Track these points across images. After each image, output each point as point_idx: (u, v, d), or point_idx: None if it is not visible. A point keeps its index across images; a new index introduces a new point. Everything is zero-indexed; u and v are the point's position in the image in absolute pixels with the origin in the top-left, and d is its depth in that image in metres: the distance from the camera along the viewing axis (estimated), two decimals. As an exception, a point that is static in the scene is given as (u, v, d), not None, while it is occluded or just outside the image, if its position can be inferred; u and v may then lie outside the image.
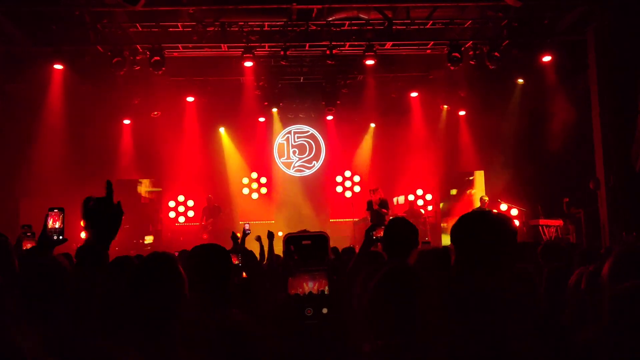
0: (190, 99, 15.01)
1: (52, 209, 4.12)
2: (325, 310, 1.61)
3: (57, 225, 4.01)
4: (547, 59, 12.81)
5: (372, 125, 16.60)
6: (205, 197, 15.49)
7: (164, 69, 12.28)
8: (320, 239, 1.65)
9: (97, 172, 14.63)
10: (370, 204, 13.11)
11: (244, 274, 4.27)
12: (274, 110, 15.82)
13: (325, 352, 1.58)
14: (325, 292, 1.62)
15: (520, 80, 14.48)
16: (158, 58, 12.11)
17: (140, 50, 12.42)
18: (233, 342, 2.47)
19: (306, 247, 1.65)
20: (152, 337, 2.40)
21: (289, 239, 1.63)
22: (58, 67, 12.40)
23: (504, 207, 15.29)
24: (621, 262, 2.63)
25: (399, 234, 3.41)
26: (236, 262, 4.30)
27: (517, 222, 15.06)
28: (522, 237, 12.11)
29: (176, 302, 2.48)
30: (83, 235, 12.24)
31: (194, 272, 2.69)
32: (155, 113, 15.38)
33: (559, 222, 13.03)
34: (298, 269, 1.63)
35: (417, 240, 3.45)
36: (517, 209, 14.88)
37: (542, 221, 12.99)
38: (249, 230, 7.71)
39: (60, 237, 4.02)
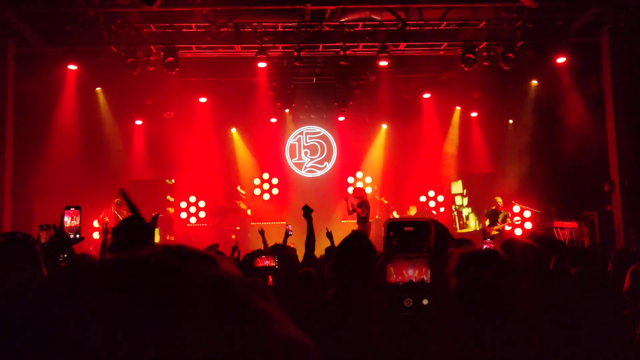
0: (203, 99, 15.03)
1: (68, 207, 4.10)
2: (426, 302, 1.56)
3: (74, 224, 4.00)
4: (561, 60, 12.74)
5: (384, 126, 16.55)
6: (211, 198, 15.59)
7: (177, 69, 12.31)
8: (424, 225, 1.60)
9: (110, 173, 14.77)
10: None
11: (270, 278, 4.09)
12: (286, 111, 15.83)
13: (424, 349, 1.53)
14: (426, 281, 1.56)
15: (535, 82, 14.41)
16: (172, 59, 12.15)
17: (154, 50, 12.46)
18: None
19: (407, 234, 1.60)
20: None
21: (390, 225, 1.58)
22: (72, 67, 12.46)
23: (517, 208, 15.21)
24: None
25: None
26: (272, 265, 4.21)
27: (530, 225, 15.01)
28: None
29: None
30: (96, 235, 12.35)
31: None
32: (168, 114, 15.42)
33: (573, 224, 12.95)
34: (397, 255, 1.58)
35: (449, 242, 3.44)
36: (531, 210, 14.81)
37: (556, 223, 12.91)
38: (291, 231, 7.67)
39: (77, 236, 4.01)
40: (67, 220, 3.89)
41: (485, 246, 5.09)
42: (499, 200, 13.97)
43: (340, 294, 2.95)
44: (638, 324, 2.59)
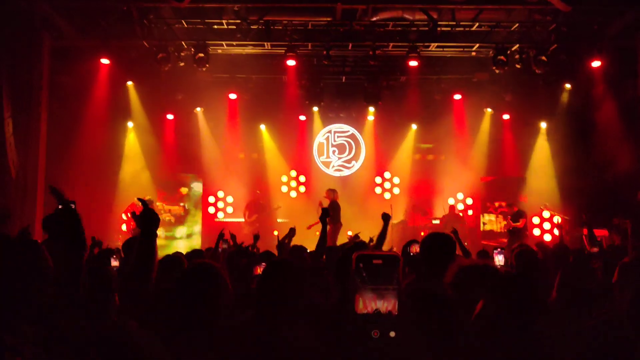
0: (232, 96, 15.13)
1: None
2: (393, 334, 1.56)
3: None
4: (596, 64, 12.48)
5: (414, 126, 16.42)
6: (253, 192, 15.63)
7: (207, 65, 12.42)
8: (392, 259, 1.61)
9: (147, 167, 15.10)
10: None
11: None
12: (315, 109, 15.82)
13: None
14: (394, 313, 1.57)
15: (568, 86, 14.13)
16: (202, 55, 12.28)
17: (185, 46, 12.60)
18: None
19: (376, 267, 1.61)
20: (187, 341, 2.48)
21: (359, 258, 1.59)
22: (105, 61, 12.67)
23: (546, 214, 14.96)
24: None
25: (436, 250, 3.39)
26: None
27: (557, 231, 14.72)
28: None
29: (214, 313, 2.61)
30: (124, 227, 12.60)
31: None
32: (198, 109, 15.59)
33: (604, 233, 12.65)
34: (365, 286, 1.59)
35: (454, 256, 3.42)
36: (561, 217, 14.53)
37: (585, 230, 12.62)
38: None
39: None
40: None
41: (497, 256, 5.04)
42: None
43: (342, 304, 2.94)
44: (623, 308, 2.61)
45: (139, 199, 3.13)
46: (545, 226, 15.16)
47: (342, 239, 12.25)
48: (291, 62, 12.77)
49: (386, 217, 6.13)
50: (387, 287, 1.55)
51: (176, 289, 2.76)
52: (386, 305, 1.54)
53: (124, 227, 14.15)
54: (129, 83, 14.44)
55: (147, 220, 3.02)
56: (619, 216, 12.84)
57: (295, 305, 2.83)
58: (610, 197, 13.24)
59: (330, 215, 5.36)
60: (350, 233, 11.64)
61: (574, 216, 13.86)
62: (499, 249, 5.28)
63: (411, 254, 4.81)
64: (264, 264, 4.40)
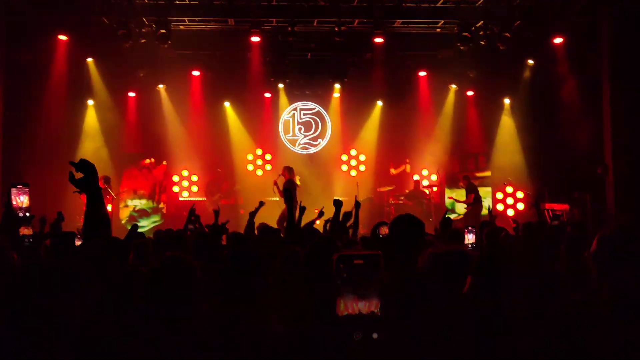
0: (195, 73, 14.89)
1: (14, 185, 3.89)
2: (375, 336, 1.52)
3: (22, 201, 3.83)
4: (558, 40, 12.62)
5: (379, 103, 16.42)
6: (215, 171, 15.49)
7: (170, 42, 12.16)
8: (373, 258, 1.55)
9: (105, 145, 14.78)
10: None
11: None
12: (280, 86, 15.69)
13: None
14: (376, 314, 1.52)
15: (531, 61, 14.27)
16: (164, 31, 12.00)
17: (146, 22, 12.30)
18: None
19: (357, 267, 1.55)
20: (161, 336, 2.43)
21: (339, 258, 1.54)
22: (62, 37, 12.30)
23: (509, 189, 15.21)
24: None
25: (404, 232, 3.40)
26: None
27: (522, 206, 15.02)
28: (527, 221, 11.98)
29: (187, 310, 2.53)
30: (110, 208, 12.22)
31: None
32: (161, 86, 15.30)
33: (564, 207, 12.92)
34: (347, 287, 1.54)
35: (423, 236, 3.45)
36: (523, 192, 14.80)
37: (547, 205, 12.87)
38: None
39: (27, 214, 3.86)
40: (16, 199, 3.76)
41: (468, 235, 5.10)
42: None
43: (311, 301, 2.90)
44: (602, 280, 2.68)
45: (71, 162, 2.78)
46: (509, 201, 15.42)
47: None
48: (255, 39, 12.61)
49: (287, 195, 5.75)
50: (369, 288, 1.51)
51: (147, 286, 2.66)
52: (368, 305, 1.51)
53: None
54: (89, 60, 14.05)
55: (85, 175, 2.75)
56: (579, 190, 13.12)
57: (260, 292, 2.78)
58: (571, 172, 13.50)
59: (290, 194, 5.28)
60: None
61: (537, 191, 14.12)
62: (469, 227, 5.34)
63: (380, 235, 4.82)
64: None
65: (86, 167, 2.76)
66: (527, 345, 2.34)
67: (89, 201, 2.77)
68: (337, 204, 6.01)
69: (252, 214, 7.02)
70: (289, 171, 13.03)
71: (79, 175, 2.79)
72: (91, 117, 15.03)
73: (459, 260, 2.55)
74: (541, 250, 3.67)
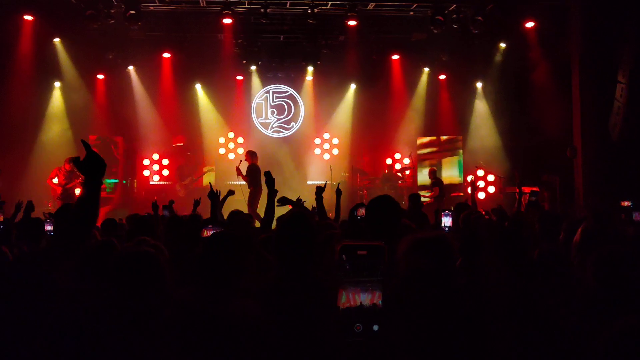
0: (166, 55, 14.66)
1: None
2: (376, 327, 1.50)
3: None
4: (530, 25, 12.73)
5: (353, 86, 16.39)
6: (185, 154, 15.35)
7: (140, 23, 11.91)
8: (377, 249, 1.53)
9: (73, 128, 14.46)
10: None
11: None
12: (253, 68, 15.56)
13: None
14: (378, 306, 1.50)
15: (502, 45, 14.38)
16: (133, 12, 11.74)
17: (115, 2, 12.00)
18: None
19: (360, 257, 1.53)
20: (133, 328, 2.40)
21: (343, 248, 1.51)
22: (28, 17, 11.96)
23: (480, 172, 15.35)
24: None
25: (381, 212, 3.46)
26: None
27: (493, 189, 15.20)
28: (498, 204, 12.14)
29: (156, 301, 2.49)
30: (78, 191, 12.07)
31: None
32: (130, 68, 15.03)
33: (534, 189, 13.10)
34: (348, 279, 1.51)
35: (400, 220, 3.50)
36: (494, 175, 14.96)
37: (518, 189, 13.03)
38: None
39: None
40: None
41: (444, 218, 5.15)
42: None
43: (280, 280, 2.88)
44: (584, 270, 2.75)
45: (82, 141, 2.73)
46: (480, 184, 15.56)
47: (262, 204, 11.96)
48: (227, 20, 12.43)
49: (269, 178, 5.43)
50: (372, 279, 1.50)
51: (113, 280, 2.59)
52: (370, 297, 1.49)
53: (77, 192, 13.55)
54: (56, 40, 13.70)
55: (91, 165, 2.63)
56: (548, 173, 13.33)
57: (238, 278, 2.75)
58: (542, 155, 13.69)
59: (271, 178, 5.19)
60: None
61: (508, 174, 14.31)
62: (446, 211, 5.40)
63: (358, 217, 4.85)
64: (210, 226, 4.31)
65: (97, 160, 2.68)
66: (513, 331, 2.36)
67: (88, 191, 2.67)
68: (319, 190, 6.08)
69: (218, 201, 6.79)
70: (251, 155, 12.97)
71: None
72: (57, 99, 14.71)
73: (440, 246, 2.55)
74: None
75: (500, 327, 2.36)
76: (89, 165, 2.64)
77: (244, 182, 12.73)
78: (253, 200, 12.28)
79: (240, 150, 16.22)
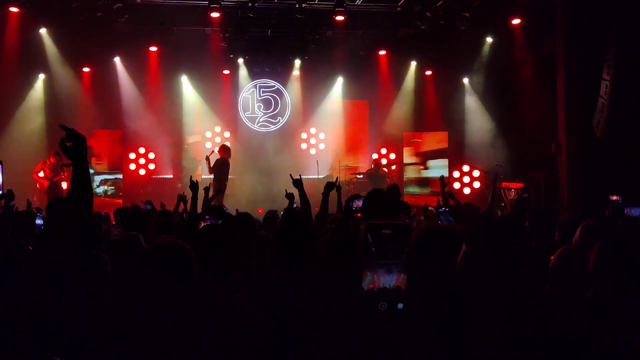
0: (153, 48, 14.58)
1: None
2: (400, 305, 1.52)
3: None
4: (516, 21, 12.83)
5: (340, 81, 16.42)
6: (181, 148, 15.53)
7: (126, 16, 11.84)
8: (403, 228, 1.54)
9: (57, 120, 14.26)
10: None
11: None
12: (240, 61, 15.54)
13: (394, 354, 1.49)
14: (402, 287, 1.52)
15: (489, 40, 14.48)
16: (120, 5, 11.67)
17: (102, -5, 11.93)
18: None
19: (385, 237, 1.53)
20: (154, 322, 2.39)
21: (367, 227, 1.52)
22: (14, 10, 11.85)
23: (466, 168, 15.46)
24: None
25: (378, 203, 3.55)
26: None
27: (478, 184, 15.31)
28: (483, 200, 12.25)
29: (182, 292, 2.45)
30: (65, 185, 11.91)
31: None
32: (117, 59, 14.93)
33: (519, 185, 13.24)
34: (374, 260, 1.52)
35: (394, 210, 3.58)
36: (479, 170, 15.06)
37: (503, 184, 13.17)
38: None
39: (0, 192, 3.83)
40: None
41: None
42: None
43: (278, 278, 2.89)
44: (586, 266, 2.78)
45: (61, 125, 2.74)
46: (465, 179, 15.68)
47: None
48: (215, 14, 12.39)
49: (329, 186, 5.69)
50: (396, 261, 1.51)
51: (140, 277, 2.56)
52: (395, 279, 1.51)
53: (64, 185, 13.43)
54: (42, 31, 13.56)
55: (74, 140, 2.68)
56: (533, 169, 13.44)
57: (229, 271, 2.76)
58: (527, 151, 13.82)
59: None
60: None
61: (493, 170, 14.39)
62: (443, 208, 5.45)
63: (354, 208, 4.89)
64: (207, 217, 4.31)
65: (77, 137, 2.70)
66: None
67: (76, 172, 2.70)
68: (297, 183, 5.97)
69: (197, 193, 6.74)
70: (224, 150, 13.04)
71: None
72: (42, 91, 14.57)
73: (449, 237, 2.57)
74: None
75: (490, 320, 2.39)
76: (72, 141, 2.68)
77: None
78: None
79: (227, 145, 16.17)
